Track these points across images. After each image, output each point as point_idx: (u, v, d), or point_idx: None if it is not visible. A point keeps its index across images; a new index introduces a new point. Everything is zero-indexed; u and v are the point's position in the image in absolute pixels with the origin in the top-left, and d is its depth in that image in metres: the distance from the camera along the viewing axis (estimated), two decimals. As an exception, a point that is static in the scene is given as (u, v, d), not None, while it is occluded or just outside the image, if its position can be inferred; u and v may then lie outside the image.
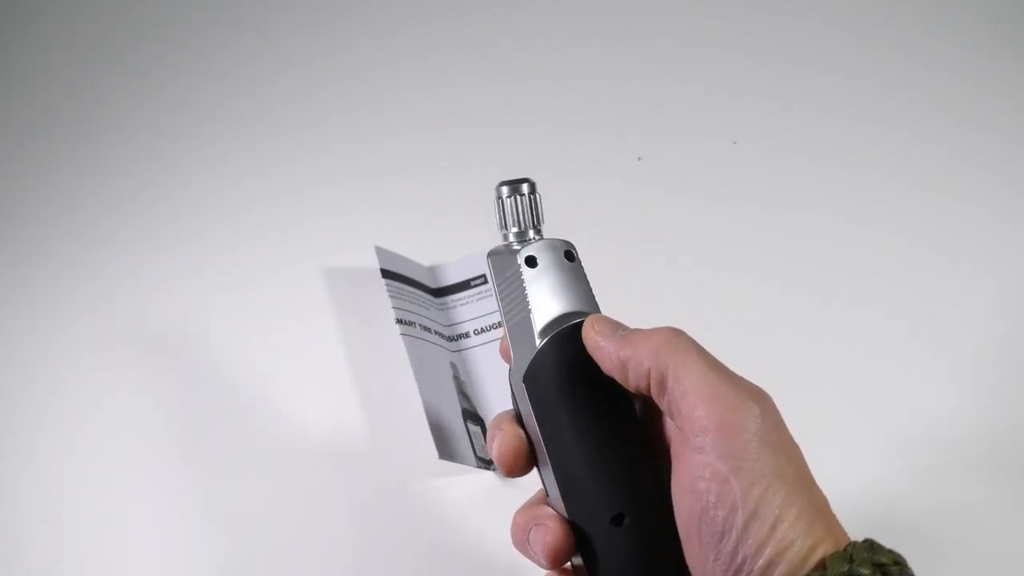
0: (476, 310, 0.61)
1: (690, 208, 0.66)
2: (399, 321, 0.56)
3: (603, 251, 0.64)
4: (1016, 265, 0.62)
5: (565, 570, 0.34)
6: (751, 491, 0.28)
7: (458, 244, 0.63)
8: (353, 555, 0.52)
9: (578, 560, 0.34)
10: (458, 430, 0.53)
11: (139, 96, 0.74)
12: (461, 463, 0.52)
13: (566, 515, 0.33)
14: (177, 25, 0.79)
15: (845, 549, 0.27)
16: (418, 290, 0.60)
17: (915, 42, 0.76)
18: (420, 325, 0.58)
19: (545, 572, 0.34)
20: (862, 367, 0.58)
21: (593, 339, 0.33)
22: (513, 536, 0.35)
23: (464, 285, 0.62)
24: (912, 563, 0.28)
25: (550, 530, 0.33)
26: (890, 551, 0.28)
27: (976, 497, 0.52)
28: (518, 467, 0.35)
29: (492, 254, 0.37)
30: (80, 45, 0.78)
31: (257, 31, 0.78)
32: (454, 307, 0.61)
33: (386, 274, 0.59)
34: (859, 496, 0.52)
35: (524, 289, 0.35)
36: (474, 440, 0.54)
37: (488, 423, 0.55)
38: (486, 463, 0.53)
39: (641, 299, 0.61)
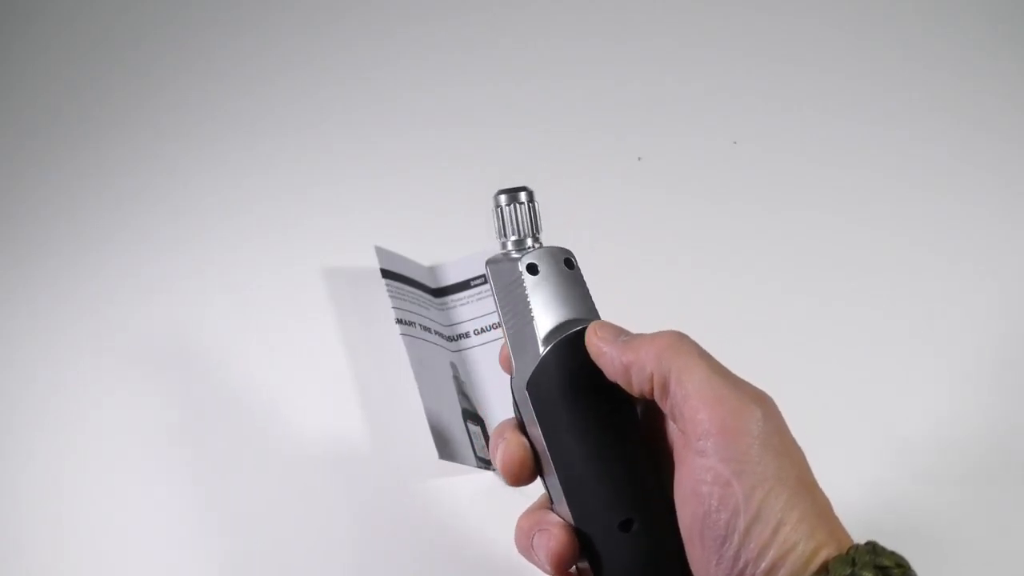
0: (476, 310, 0.61)
1: (690, 208, 0.66)
2: (399, 321, 0.56)
3: (603, 251, 0.64)
4: (1016, 265, 0.62)
5: (569, 574, 0.34)
6: (753, 494, 0.28)
7: (458, 244, 0.63)
8: (353, 555, 0.52)
9: (584, 564, 0.34)
10: (458, 430, 0.53)
11: (139, 96, 0.74)
12: (461, 463, 0.51)
13: (572, 521, 0.33)
14: (177, 25, 0.79)
15: (848, 552, 0.27)
16: (418, 290, 0.60)
17: (915, 42, 0.76)
18: (420, 325, 0.58)
19: None
20: (862, 367, 0.58)
21: (596, 345, 0.33)
22: (517, 541, 0.35)
23: (464, 285, 0.62)
24: (913, 563, 0.28)
25: (554, 536, 0.33)
26: (892, 553, 0.28)
27: (976, 497, 0.52)
28: (523, 476, 0.35)
29: (491, 262, 0.37)
30: (80, 45, 0.78)
31: (257, 31, 0.78)
32: (454, 307, 0.61)
33: (386, 274, 0.59)
34: (859, 496, 0.52)
35: (526, 297, 0.35)
36: (474, 440, 0.54)
37: (488, 423, 0.55)
38: (486, 463, 0.53)
39: (641, 299, 0.61)
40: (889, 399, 0.56)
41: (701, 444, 0.29)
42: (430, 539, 0.52)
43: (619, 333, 0.33)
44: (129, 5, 0.80)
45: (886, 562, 0.27)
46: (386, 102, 0.73)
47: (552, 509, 0.35)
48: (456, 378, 0.57)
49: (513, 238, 0.37)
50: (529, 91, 0.73)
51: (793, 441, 0.30)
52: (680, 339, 0.32)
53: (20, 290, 0.63)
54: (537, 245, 0.37)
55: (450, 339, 0.60)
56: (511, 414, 0.36)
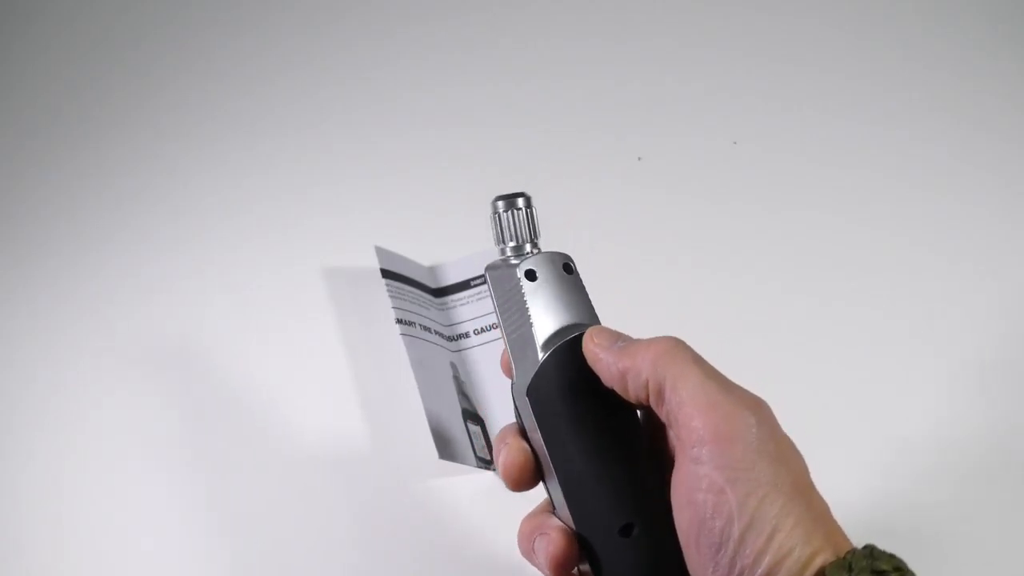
0: (476, 310, 0.61)
1: (690, 208, 0.66)
2: (399, 321, 0.56)
3: (603, 251, 0.64)
4: (1016, 265, 0.62)
5: None
6: (747, 501, 0.28)
7: (458, 244, 0.63)
8: (353, 555, 0.52)
9: (585, 567, 0.34)
10: (458, 430, 0.53)
11: (139, 96, 0.74)
12: (461, 463, 0.51)
13: (573, 526, 0.34)
14: (177, 25, 0.79)
15: (844, 557, 0.27)
16: (418, 290, 0.60)
17: (915, 42, 0.76)
18: (420, 325, 0.58)
19: None
20: (862, 367, 0.58)
21: (592, 351, 0.33)
22: (519, 544, 0.35)
23: (464, 285, 0.62)
24: (912, 564, 0.28)
25: (553, 540, 0.33)
26: (891, 556, 0.28)
27: (976, 497, 0.52)
28: (524, 481, 0.35)
29: (490, 269, 0.37)
30: (80, 45, 0.77)
31: (257, 31, 0.78)
32: (454, 307, 0.61)
33: (386, 274, 0.59)
34: (859, 496, 0.52)
35: (525, 303, 0.35)
36: (474, 440, 0.54)
37: (488, 423, 0.55)
38: (486, 463, 0.53)
39: (641, 299, 0.61)
40: (889, 399, 0.56)
41: (696, 451, 0.29)
42: (430, 539, 0.52)
43: (616, 339, 0.33)
44: (129, 5, 0.80)
45: (883, 566, 0.27)
46: (386, 102, 0.73)
47: (554, 513, 0.35)
48: (456, 378, 0.57)
49: (512, 244, 0.37)
50: (529, 91, 0.73)
51: (790, 446, 0.30)
52: (675, 345, 0.32)
53: (20, 290, 0.63)
54: (536, 250, 0.37)
55: (450, 339, 0.60)
56: (511, 414, 0.36)
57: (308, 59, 0.76)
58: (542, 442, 0.34)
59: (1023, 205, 0.66)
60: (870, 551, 0.28)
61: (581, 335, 0.34)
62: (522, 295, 0.35)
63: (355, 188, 0.68)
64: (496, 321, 0.37)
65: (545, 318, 0.35)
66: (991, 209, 0.65)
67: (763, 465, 0.29)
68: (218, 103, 0.74)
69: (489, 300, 0.60)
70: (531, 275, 0.35)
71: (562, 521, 0.34)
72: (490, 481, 0.53)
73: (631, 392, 0.32)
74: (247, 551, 0.52)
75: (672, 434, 0.32)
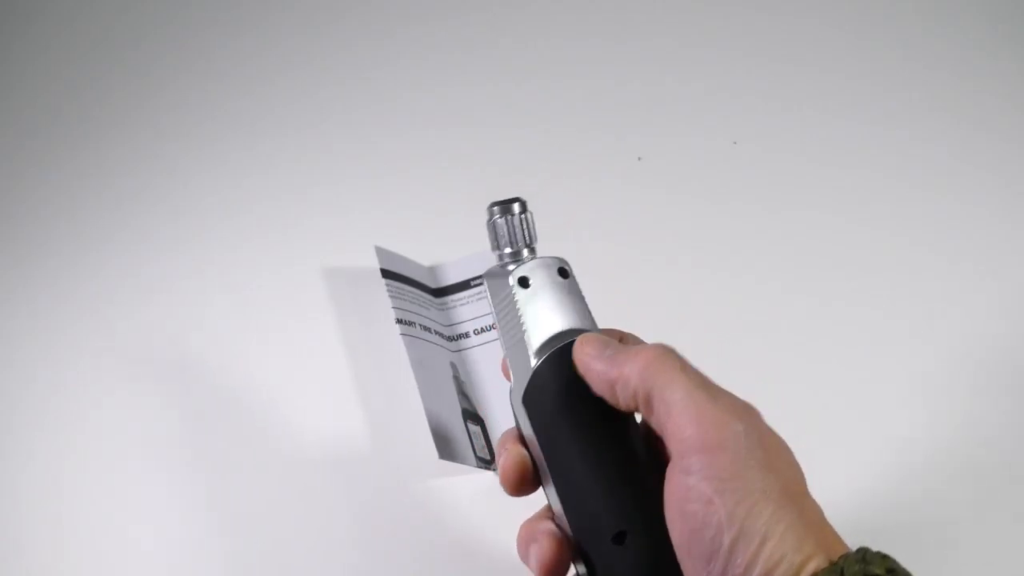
0: (476, 310, 0.61)
1: (690, 208, 0.66)
2: (399, 321, 0.56)
3: (603, 251, 0.64)
4: (1016, 265, 0.62)
5: None
6: (736, 511, 0.28)
7: (458, 244, 0.63)
8: (353, 555, 0.52)
9: (582, 572, 0.34)
10: (458, 430, 0.53)
11: (139, 96, 0.74)
12: (461, 463, 0.51)
13: (570, 532, 0.34)
14: (177, 25, 0.79)
15: (836, 562, 0.27)
16: (418, 290, 0.60)
17: (915, 42, 0.76)
18: (420, 325, 0.58)
19: None
20: (862, 367, 0.58)
21: (581, 361, 0.33)
22: (517, 549, 0.35)
23: (464, 285, 0.62)
24: (911, 564, 0.28)
25: (543, 547, 0.33)
26: (884, 558, 0.28)
27: (976, 497, 0.52)
28: (522, 486, 0.35)
29: (487, 276, 0.37)
30: (80, 45, 0.77)
31: (257, 31, 0.78)
32: (454, 307, 0.61)
33: (386, 274, 0.59)
34: (859, 496, 0.52)
35: (517, 310, 0.35)
36: (474, 440, 0.54)
37: (488, 423, 0.55)
38: (486, 463, 0.53)
39: (641, 299, 0.61)
40: (889, 399, 0.56)
41: (685, 462, 0.29)
42: (430, 539, 0.52)
43: (605, 347, 0.33)
44: (129, 5, 0.80)
45: (876, 570, 0.27)
46: (386, 102, 0.73)
47: (553, 519, 0.35)
48: (456, 378, 0.57)
49: (508, 250, 0.36)
50: (529, 91, 0.73)
51: (780, 452, 0.30)
52: (663, 354, 0.32)
53: (20, 290, 0.63)
54: (532, 255, 0.36)
55: (450, 339, 0.60)
56: (511, 414, 0.37)
57: (308, 59, 0.76)
58: (539, 449, 0.34)
59: (1023, 205, 0.66)
60: (862, 554, 0.27)
61: (571, 343, 0.34)
62: (515, 302, 0.35)
63: (355, 188, 0.68)
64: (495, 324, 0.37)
65: (538, 325, 0.35)
66: (991, 209, 0.65)
67: (751, 474, 0.28)
68: (218, 103, 0.74)
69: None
70: (524, 282, 0.35)
71: (560, 527, 0.34)
72: (490, 481, 0.53)
73: (621, 402, 0.32)
74: (247, 551, 0.52)
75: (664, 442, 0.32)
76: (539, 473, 0.35)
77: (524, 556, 0.35)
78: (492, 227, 0.37)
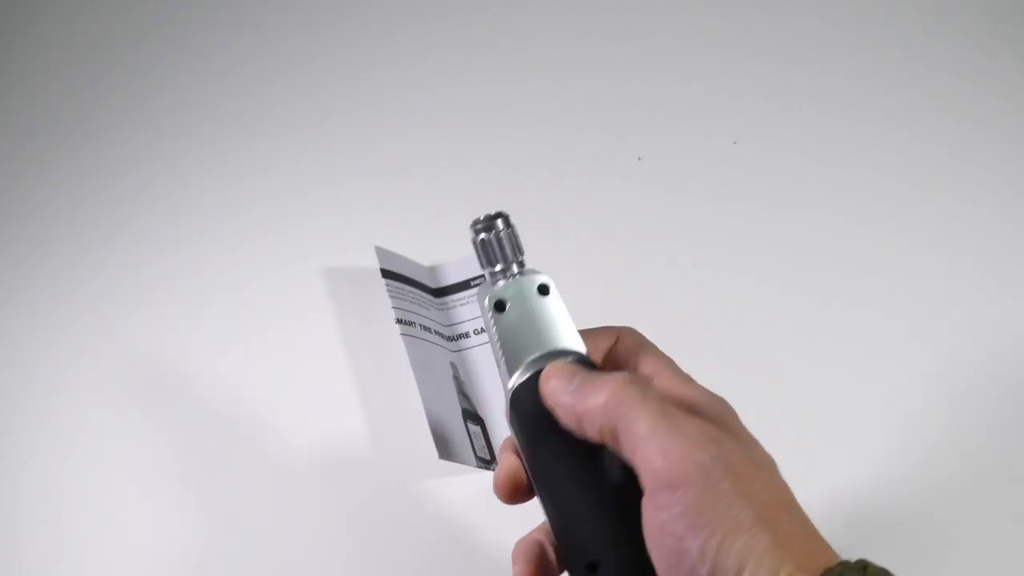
0: (476, 310, 0.61)
1: (690, 208, 0.66)
2: (399, 321, 0.56)
3: (603, 251, 0.64)
4: (1016, 265, 0.62)
5: None
6: (707, 546, 0.28)
7: (458, 244, 0.63)
8: (353, 555, 0.52)
9: None
10: (458, 430, 0.53)
11: (139, 96, 0.74)
12: (461, 463, 0.51)
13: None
14: (177, 25, 0.79)
15: (832, 568, 0.27)
16: (418, 290, 0.60)
17: (915, 42, 0.76)
18: (420, 325, 0.58)
19: None
20: (862, 367, 0.58)
21: (547, 396, 0.33)
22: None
23: (464, 285, 0.62)
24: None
25: (519, 570, 0.33)
26: (863, 568, 0.27)
27: (976, 498, 0.52)
28: (514, 496, 0.35)
29: (478, 295, 0.36)
30: (80, 45, 0.77)
31: (257, 31, 0.78)
32: (454, 307, 0.61)
33: (386, 274, 0.59)
34: (859, 496, 0.52)
35: (495, 335, 0.34)
36: (474, 440, 0.54)
37: (488, 423, 0.56)
38: (486, 463, 0.53)
39: (642, 299, 0.61)
40: (889, 399, 0.56)
41: (655, 497, 0.29)
42: (430, 539, 0.52)
43: (570, 379, 0.32)
44: (129, 5, 0.80)
45: None
46: (386, 102, 0.73)
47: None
48: (456, 378, 0.57)
49: (494, 268, 0.36)
50: (529, 91, 0.73)
51: (754, 471, 0.29)
52: (624, 386, 0.31)
53: (20, 290, 0.63)
54: (519, 270, 0.36)
55: (450, 339, 0.60)
56: None
57: (308, 59, 0.76)
58: (526, 466, 0.34)
59: (1023, 205, 0.66)
60: (841, 571, 0.27)
61: (539, 372, 0.33)
62: (492, 326, 0.34)
63: (355, 188, 0.68)
64: None
65: (513, 351, 0.34)
66: (991, 209, 0.65)
67: (721, 506, 0.28)
68: (218, 103, 0.74)
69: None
70: (500, 305, 0.35)
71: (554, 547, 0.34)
72: (490, 481, 0.53)
73: (589, 436, 0.32)
74: (247, 550, 0.52)
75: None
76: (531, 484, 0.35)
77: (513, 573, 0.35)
78: (478, 246, 0.36)
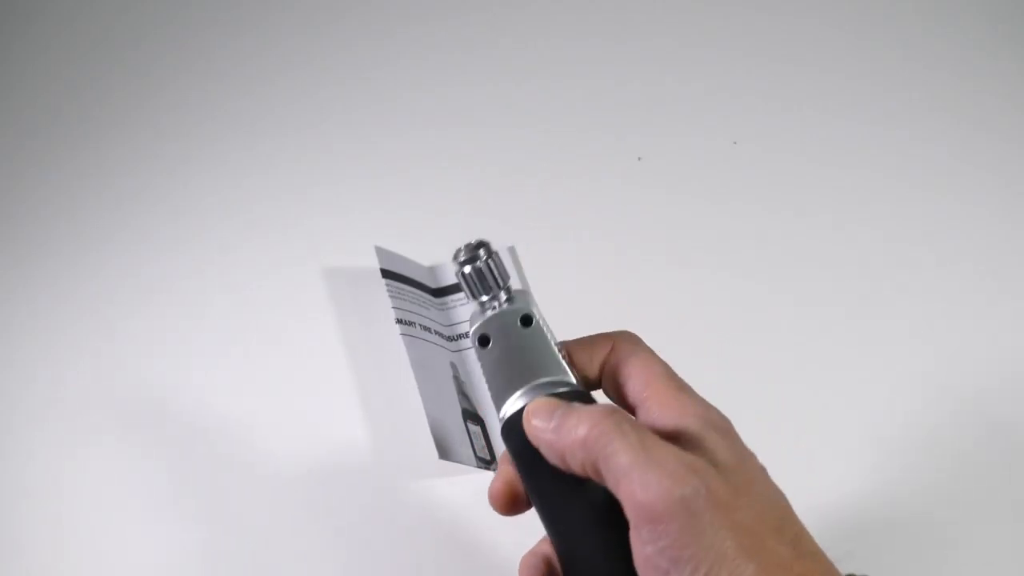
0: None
1: (690, 208, 0.66)
2: (399, 321, 0.56)
3: (603, 251, 0.64)
4: (1016, 265, 0.62)
5: None
6: None
7: (458, 244, 0.63)
8: (353, 555, 0.52)
9: None
10: (458, 430, 0.53)
11: (139, 96, 0.74)
12: (461, 463, 0.51)
13: None
14: (177, 25, 0.79)
15: None
16: (418, 290, 0.60)
17: (915, 42, 0.76)
18: (420, 325, 0.58)
19: None
20: (861, 367, 0.58)
21: (530, 434, 0.33)
22: None
23: (464, 285, 0.62)
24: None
25: None
26: None
27: (976, 498, 0.52)
28: (507, 507, 0.35)
29: (470, 327, 0.36)
30: (80, 45, 0.77)
31: (257, 31, 0.78)
32: (454, 307, 0.61)
33: (386, 274, 0.59)
34: (858, 497, 0.52)
35: (482, 370, 0.34)
36: (474, 440, 0.54)
37: (488, 423, 0.56)
38: (486, 463, 0.53)
39: (641, 299, 0.61)
40: (889, 399, 0.56)
41: (639, 531, 0.29)
42: (430, 539, 0.52)
43: (551, 415, 0.32)
44: (129, 5, 0.80)
45: None
46: (386, 102, 0.73)
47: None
48: (456, 378, 0.57)
49: (484, 297, 0.35)
50: (529, 91, 0.73)
51: (738, 497, 0.29)
52: (601, 420, 0.31)
53: (20, 290, 0.63)
54: (507, 295, 0.35)
55: (450, 339, 0.60)
56: None
57: (308, 59, 0.76)
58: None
59: (1023, 205, 0.66)
60: None
61: (524, 408, 0.33)
62: (480, 362, 0.35)
63: (355, 188, 0.68)
64: None
65: (500, 384, 0.34)
66: (991, 209, 0.65)
67: (703, 539, 0.28)
68: (218, 103, 0.74)
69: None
70: (484, 341, 0.34)
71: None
72: (490, 481, 0.53)
73: (575, 471, 0.31)
74: (245, 550, 0.52)
75: None
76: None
77: None
78: (462, 279, 0.36)
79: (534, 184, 0.68)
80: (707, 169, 0.68)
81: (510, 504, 0.35)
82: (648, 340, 0.36)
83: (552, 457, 0.32)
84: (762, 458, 0.32)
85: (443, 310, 0.61)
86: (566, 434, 0.31)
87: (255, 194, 0.68)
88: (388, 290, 0.58)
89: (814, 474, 0.53)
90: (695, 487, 0.28)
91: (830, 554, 0.30)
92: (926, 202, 0.66)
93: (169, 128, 0.72)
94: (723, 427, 0.32)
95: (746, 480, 0.30)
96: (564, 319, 0.60)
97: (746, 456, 0.31)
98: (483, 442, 0.54)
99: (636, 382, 0.34)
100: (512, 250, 0.63)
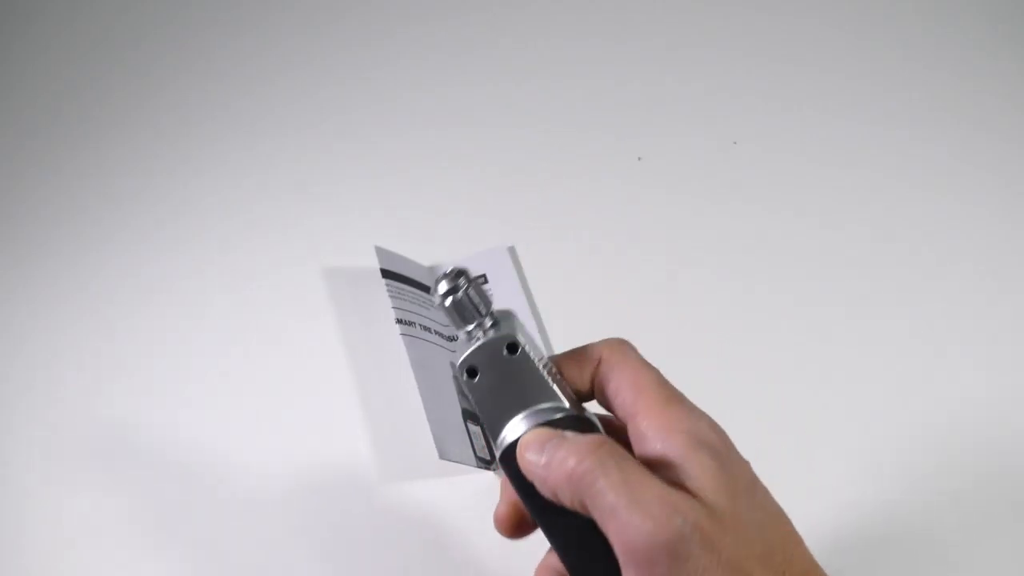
0: (476, 310, 0.61)
1: (690, 208, 0.66)
2: (399, 321, 0.56)
3: (603, 251, 0.64)
4: (1016, 265, 0.62)
5: None
6: None
7: (458, 244, 0.64)
8: (353, 555, 0.52)
9: None
10: (458, 430, 0.53)
11: (139, 96, 0.74)
12: (461, 463, 0.51)
13: None
14: (177, 25, 0.79)
15: None
16: (418, 290, 0.60)
17: (915, 42, 0.76)
18: (420, 325, 0.58)
19: None
20: (861, 367, 0.58)
21: (524, 469, 0.32)
22: None
23: (465, 284, 0.62)
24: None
25: None
26: None
27: (976, 499, 0.52)
28: (513, 530, 0.35)
29: (457, 358, 0.36)
30: (80, 45, 0.78)
31: (257, 31, 0.78)
32: (454, 307, 0.61)
33: (386, 274, 0.59)
34: (859, 497, 0.52)
35: (471, 402, 0.34)
36: (474, 440, 0.54)
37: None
38: (486, 463, 0.53)
39: (641, 299, 0.61)
40: (889, 399, 0.56)
41: (627, 572, 0.29)
42: (431, 539, 0.52)
43: (542, 448, 0.32)
44: (129, 5, 0.80)
45: None
46: (386, 102, 0.73)
47: None
48: (456, 378, 0.57)
49: (469, 327, 0.35)
50: (529, 91, 0.73)
51: (720, 536, 0.29)
52: (585, 457, 0.30)
53: (20, 290, 0.63)
54: (489, 324, 0.35)
55: (450, 339, 0.60)
56: None
57: (308, 59, 0.76)
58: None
59: (1023, 205, 0.66)
60: None
61: (518, 440, 0.33)
62: (469, 393, 0.34)
63: (355, 188, 0.68)
64: None
65: (493, 415, 0.34)
66: (991, 209, 0.65)
67: None
68: (218, 103, 0.74)
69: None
70: (472, 372, 0.34)
71: None
72: (490, 481, 0.53)
73: (568, 505, 0.31)
74: (245, 549, 0.52)
75: None
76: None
77: None
78: (445, 312, 0.35)
79: (534, 184, 0.68)
80: (707, 169, 0.68)
81: (516, 528, 0.35)
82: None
83: (545, 492, 0.32)
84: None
85: (443, 310, 0.61)
86: (555, 469, 0.31)
87: (255, 194, 0.68)
88: (388, 290, 0.58)
89: (812, 473, 0.53)
90: (678, 529, 0.28)
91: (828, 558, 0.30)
92: (926, 202, 0.66)
93: (169, 128, 0.72)
94: (712, 443, 0.31)
95: (733, 511, 0.29)
96: (564, 319, 0.60)
97: (736, 476, 0.30)
98: (483, 442, 0.54)
99: (625, 395, 0.33)
100: (512, 250, 0.63)
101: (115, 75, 0.75)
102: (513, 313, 0.35)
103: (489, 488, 0.53)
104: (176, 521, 0.53)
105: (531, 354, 0.34)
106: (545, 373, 0.34)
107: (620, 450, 0.30)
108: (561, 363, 0.35)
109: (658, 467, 0.30)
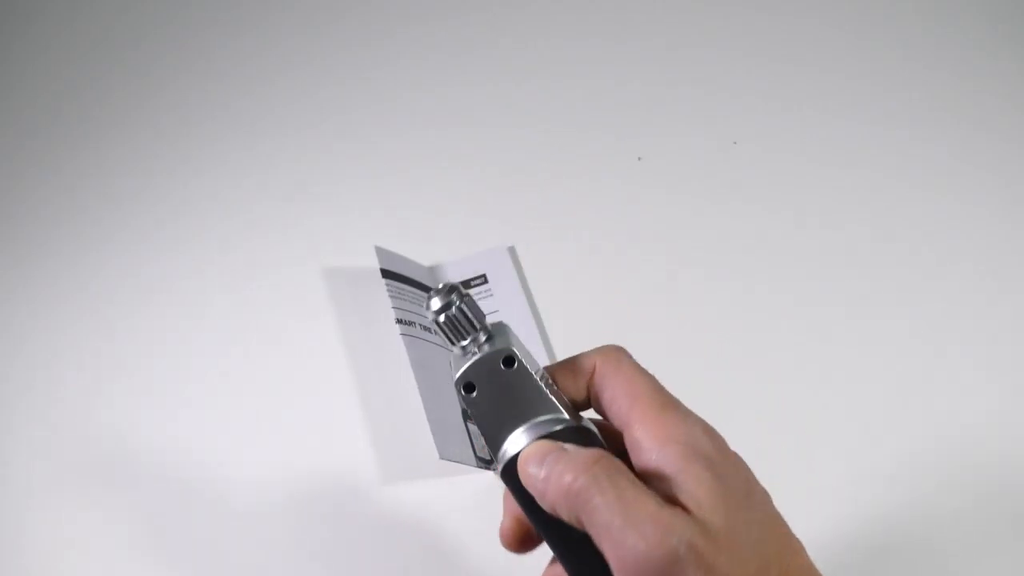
0: (476, 310, 0.61)
1: (690, 208, 0.66)
2: (399, 321, 0.56)
3: (603, 251, 0.64)
4: (1016, 265, 0.62)
5: None
6: None
7: (458, 244, 0.63)
8: (353, 555, 0.52)
9: None
10: (458, 430, 0.53)
11: (139, 96, 0.74)
12: (461, 463, 0.51)
13: None
14: (177, 25, 0.79)
15: None
16: (418, 290, 0.60)
17: (915, 42, 0.76)
18: (420, 325, 0.58)
19: None
20: (861, 367, 0.58)
21: (526, 484, 0.32)
22: None
23: (464, 285, 0.62)
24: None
25: None
26: None
27: (977, 499, 0.52)
28: (518, 545, 0.35)
29: (454, 373, 0.36)
30: (80, 45, 0.78)
31: (257, 31, 0.78)
32: (454, 307, 0.61)
33: (386, 274, 0.59)
34: (859, 497, 0.52)
35: (470, 417, 0.34)
36: (474, 440, 0.54)
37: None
38: (486, 463, 0.53)
39: (641, 299, 0.61)
40: (889, 399, 0.56)
41: None
42: (431, 539, 0.52)
43: (541, 463, 0.32)
44: (129, 5, 0.80)
45: None
46: (386, 102, 0.73)
47: None
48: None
49: (464, 342, 0.34)
50: (529, 91, 0.73)
51: (714, 554, 0.28)
52: (584, 470, 0.30)
53: (20, 290, 0.63)
54: (484, 339, 0.34)
55: (450, 339, 0.60)
56: None
57: (308, 59, 0.76)
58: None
59: (1023, 205, 0.66)
60: None
61: (519, 454, 0.33)
62: (468, 408, 0.34)
63: (355, 188, 0.68)
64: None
65: (492, 430, 0.34)
66: (991, 209, 0.65)
67: None
68: (218, 103, 0.74)
69: (488, 300, 0.61)
70: (469, 388, 0.34)
71: None
72: (490, 481, 0.53)
73: (567, 521, 0.31)
74: (245, 549, 0.52)
75: None
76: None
77: None
78: (439, 328, 0.35)
79: (534, 184, 0.68)
80: (707, 169, 0.68)
81: (521, 542, 0.35)
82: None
83: (545, 507, 0.32)
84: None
85: (443, 310, 0.61)
86: (553, 483, 0.31)
87: (255, 194, 0.68)
88: (388, 290, 0.58)
89: (813, 473, 0.53)
90: (672, 549, 0.28)
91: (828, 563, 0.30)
92: (926, 202, 0.66)
93: (169, 128, 0.72)
94: (707, 453, 0.30)
95: (728, 527, 0.29)
96: (564, 319, 0.60)
97: (731, 488, 0.30)
98: (483, 442, 0.54)
99: (621, 404, 0.33)
100: (512, 250, 0.63)
101: (115, 75, 0.75)
102: (507, 326, 0.35)
103: (489, 488, 0.53)
104: (176, 520, 0.53)
105: (528, 367, 0.33)
106: (543, 385, 0.34)
107: (616, 465, 0.30)
108: (556, 374, 0.35)
109: (653, 480, 0.30)
